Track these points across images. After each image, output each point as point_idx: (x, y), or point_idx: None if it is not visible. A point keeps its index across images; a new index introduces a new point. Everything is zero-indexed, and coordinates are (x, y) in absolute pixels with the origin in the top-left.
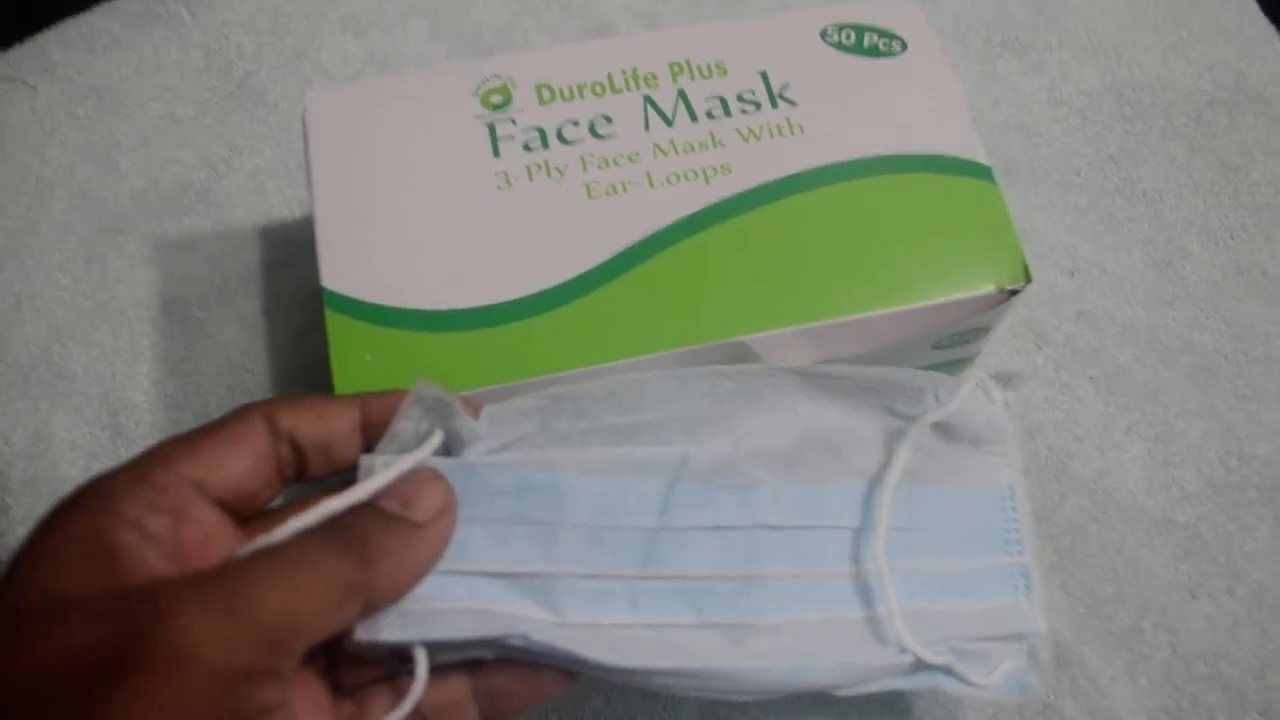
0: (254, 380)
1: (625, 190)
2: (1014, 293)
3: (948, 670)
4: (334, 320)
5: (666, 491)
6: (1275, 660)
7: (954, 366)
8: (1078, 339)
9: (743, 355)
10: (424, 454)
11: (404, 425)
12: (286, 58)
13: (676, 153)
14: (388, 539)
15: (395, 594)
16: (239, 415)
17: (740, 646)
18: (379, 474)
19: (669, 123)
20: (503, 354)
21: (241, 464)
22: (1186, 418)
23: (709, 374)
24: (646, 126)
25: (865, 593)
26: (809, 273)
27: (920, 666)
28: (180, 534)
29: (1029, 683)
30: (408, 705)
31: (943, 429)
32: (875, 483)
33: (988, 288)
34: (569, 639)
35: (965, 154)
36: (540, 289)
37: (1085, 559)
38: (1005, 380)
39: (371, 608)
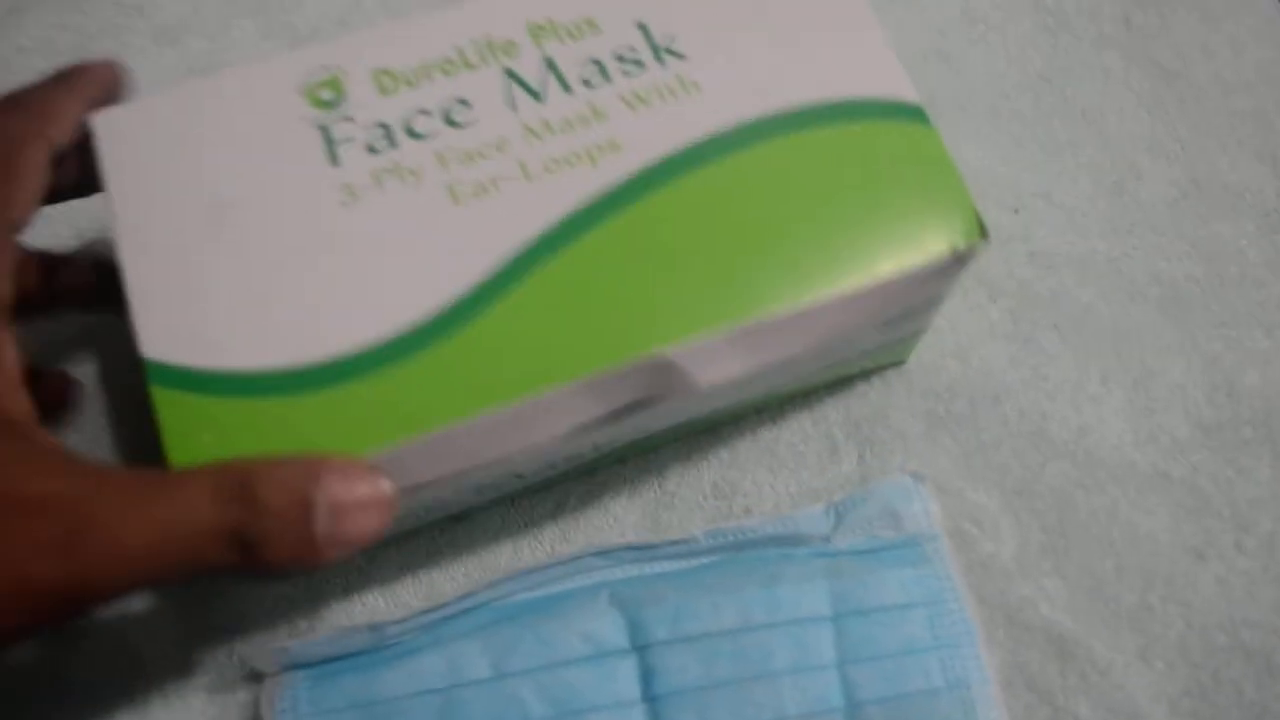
0: None
1: (497, 188)
2: (968, 252)
3: None
4: (163, 398)
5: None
6: None
7: (903, 343)
8: (1034, 284)
9: (664, 375)
10: None
11: None
12: None
13: (552, 133)
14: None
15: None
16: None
17: None
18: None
19: (538, 98)
20: (377, 411)
21: None
22: (1164, 356)
23: None
24: (512, 106)
25: None
26: (730, 261)
27: None
28: None
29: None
30: None
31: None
32: None
33: (939, 251)
34: None
35: (888, 93)
36: (410, 325)
37: (1077, 532)
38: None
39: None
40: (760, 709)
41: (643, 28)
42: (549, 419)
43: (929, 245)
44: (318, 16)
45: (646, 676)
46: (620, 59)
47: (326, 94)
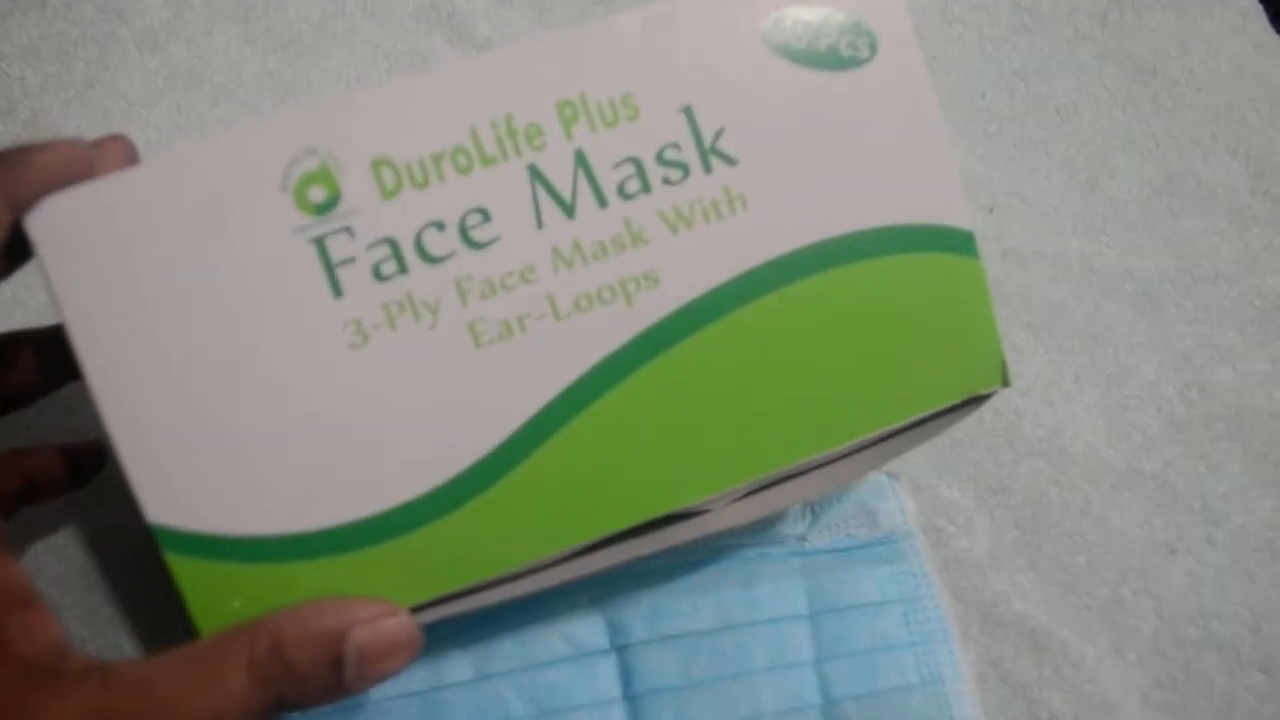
0: None
1: (524, 329)
2: (986, 397)
3: None
4: (180, 567)
5: None
6: (1268, 609)
7: None
8: (1006, 281)
9: (683, 514)
10: None
11: None
12: (78, 88)
13: (584, 260)
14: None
15: None
16: None
17: None
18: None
19: (569, 211)
20: (399, 575)
21: None
22: (1137, 353)
23: None
24: (539, 222)
25: None
26: (765, 411)
27: None
28: None
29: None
30: None
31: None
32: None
33: (959, 396)
34: None
35: (943, 220)
36: (432, 487)
37: (1050, 529)
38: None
39: None
40: (738, 706)
41: (688, 112)
42: (570, 565)
43: (951, 390)
44: (299, 20)
45: (626, 676)
46: (662, 159)
47: (318, 194)
